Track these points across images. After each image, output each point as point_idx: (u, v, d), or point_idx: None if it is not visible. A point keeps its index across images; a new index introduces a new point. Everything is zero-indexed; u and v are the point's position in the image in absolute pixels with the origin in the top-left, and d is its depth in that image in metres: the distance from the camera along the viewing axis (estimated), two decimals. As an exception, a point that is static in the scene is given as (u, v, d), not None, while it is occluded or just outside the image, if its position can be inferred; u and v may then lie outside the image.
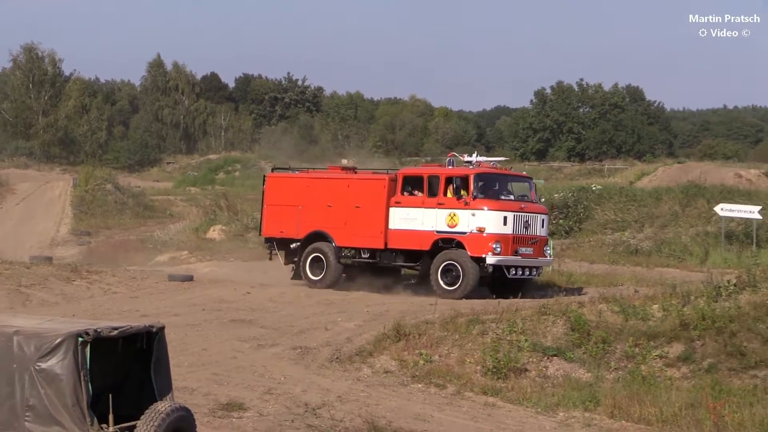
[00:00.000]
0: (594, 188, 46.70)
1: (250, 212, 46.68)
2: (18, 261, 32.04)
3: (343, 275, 28.79)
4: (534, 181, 29.76)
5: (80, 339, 9.69)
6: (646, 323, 20.36)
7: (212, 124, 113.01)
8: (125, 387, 10.53)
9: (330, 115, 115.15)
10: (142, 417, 9.97)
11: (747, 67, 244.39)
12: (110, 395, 9.85)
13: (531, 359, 19.58)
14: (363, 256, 28.04)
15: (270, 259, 30.21)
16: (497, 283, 26.74)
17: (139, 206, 58.74)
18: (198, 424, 10.76)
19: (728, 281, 21.49)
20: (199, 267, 35.63)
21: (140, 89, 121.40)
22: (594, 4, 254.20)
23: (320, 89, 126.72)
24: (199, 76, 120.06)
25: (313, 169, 32.61)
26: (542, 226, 27.46)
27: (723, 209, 39.04)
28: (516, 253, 26.45)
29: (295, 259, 29.12)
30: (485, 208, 26.32)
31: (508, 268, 26.30)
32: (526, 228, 26.78)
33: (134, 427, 9.94)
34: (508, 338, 20.04)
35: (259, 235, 30.70)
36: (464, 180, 26.71)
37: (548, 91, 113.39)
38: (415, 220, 27.08)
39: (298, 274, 28.99)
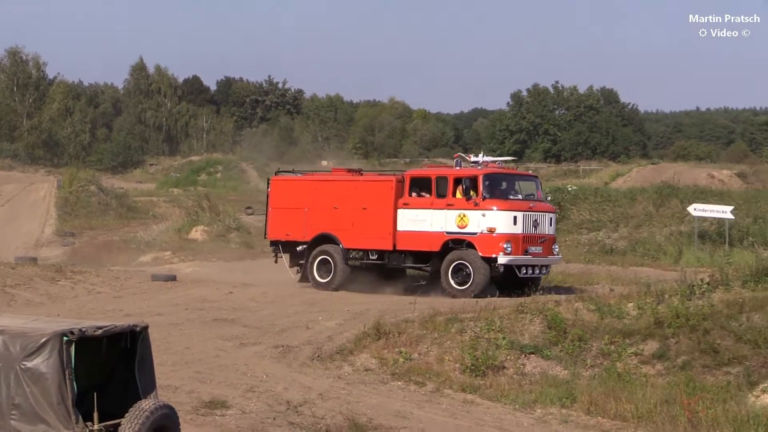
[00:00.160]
0: (569, 189, 46.98)
1: (231, 213, 46.89)
2: (3, 262, 31.91)
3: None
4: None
5: (65, 338, 9.74)
6: (622, 321, 20.54)
7: (194, 127, 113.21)
8: (110, 385, 10.59)
9: (310, 117, 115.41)
10: (127, 415, 10.03)
11: (721, 68, 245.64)
12: (95, 393, 9.94)
13: (509, 357, 19.72)
14: (371, 257, 27.84)
15: (275, 261, 29.84)
16: (506, 281, 26.52)
17: (123, 207, 58.77)
18: (181, 422, 10.80)
19: (701, 280, 21.69)
20: (182, 267, 35.62)
21: (123, 92, 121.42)
22: (568, 7, 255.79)
23: (300, 92, 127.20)
24: (181, 79, 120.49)
25: (317, 171, 32.18)
26: (550, 225, 27.40)
27: (696, 209, 39.36)
28: (526, 252, 26.33)
29: (301, 261, 28.89)
30: (495, 208, 26.18)
31: (519, 267, 26.19)
32: (535, 227, 26.70)
33: (119, 424, 10.00)
34: (487, 336, 20.18)
35: (264, 238, 30.38)
36: (473, 180, 26.49)
37: (524, 93, 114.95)
38: (424, 221, 26.91)
39: (305, 277, 28.73)
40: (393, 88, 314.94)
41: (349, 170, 31.15)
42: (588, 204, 44.97)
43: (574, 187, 47.62)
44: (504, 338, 20.02)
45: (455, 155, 29.33)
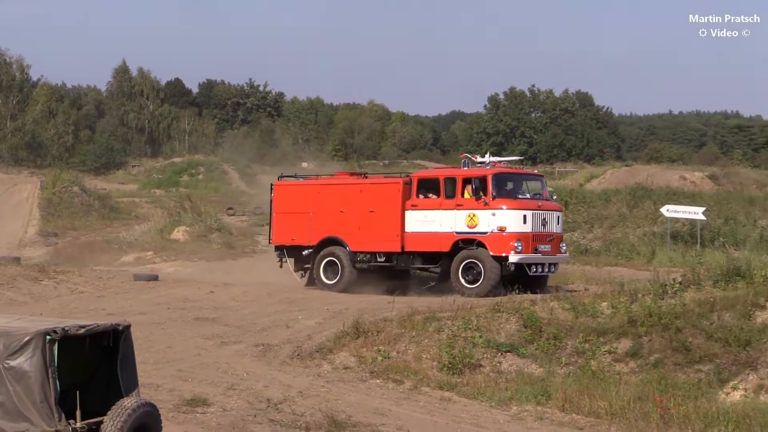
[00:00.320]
0: (546, 190, 47.17)
1: (213, 213, 46.98)
2: (-13, 262, 32.08)
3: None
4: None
5: (48, 337, 9.80)
6: (596, 320, 20.78)
7: (176, 129, 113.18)
8: (92, 384, 10.66)
9: (291, 119, 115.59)
10: (109, 413, 10.11)
11: (713, 69, 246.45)
12: (78, 392, 10.02)
13: (485, 355, 19.92)
14: (379, 259, 27.77)
15: (280, 266, 29.58)
16: (513, 280, 26.45)
17: (105, 208, 58.90)
18: (163, 420, 10.89)
19: (674, 279, 22.00)
20: (164, 267, 35.59)
21: (106, 94, 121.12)
22: (545, 12, 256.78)
23: (281, 94, 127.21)
24: (163, 82, 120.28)
25: (320, 176, 31.95)
26: (558, 223, 27.52)
27: (669, 210, 39.74)
28: (536, 250, 26.40)
29: (306, 266, 28.82)
30: (505, 208, 26.22)
31: (529, 265, 26.25)
32: (544, 225, 26.75)
33: (101, 422, 10.06)
34: (464, 335, 20.39)
35: (269, 243, 30.24)
36: (482, 180, 26.52)
37: (501, 96, 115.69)
38: (433, 222, 26.88)
39: (311, 281, 28.63)
40: (372, 91, 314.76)
41: (353, 173, 31.21)
42: (563, 205, 45.20)
43: (550, 189, 47.73)
44: (481, 337, 20.22)
45: (461, 156, 29.14)
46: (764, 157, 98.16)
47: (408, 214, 27.28)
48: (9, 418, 9.86)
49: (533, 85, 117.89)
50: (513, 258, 25.93)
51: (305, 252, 28.67)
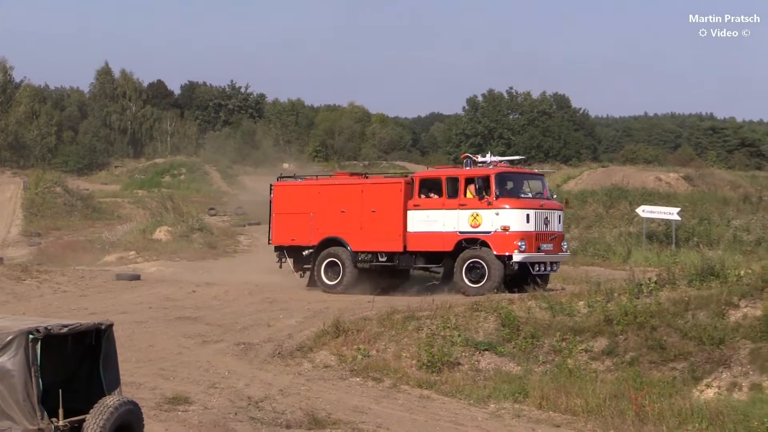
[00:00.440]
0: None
1: (195, 214, 47.14)
2: (-30, 262, 32.15)
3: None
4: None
5: (31, 336, 9.78)
6: (573, 319, 20.94)
7: (158, 130, 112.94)
8: (75, 382, 10.62)
9: (272, 121, 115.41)
10: (91, 411, 10.09)
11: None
12: (60, 390, 10.00)
13: (464, 353, 20.07)
14: (380, 259, 27.77)
15: (280, 267, 29.59)
16: (514, 278, 26.59)
17: (88, 208, 58.97)
18: (145, 418, 10.94)
19: (649, 279, 22.15)
20: (146, 267, 35.68)
21: (89, 96, 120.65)
22: (522, 14, 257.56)
23: (262, 96, 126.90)
24: (145, 84, 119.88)
25: (320, 176, 31.66)
26: (559, 222, 27.61)
27: (644, 211, 40.12)
28: (539, 249, 26.54)
29: (306, 266, 28.84)
30: (508, 207, 26.35)
31: (533, 264, 26.38)
32: (546, 224, 26.85)
33: (83, 420, 10.07)
34: (442, 334, 20.54)
35: (269, 243, 30.18)
36: (485, 180, 26.61)
37: (480, 98, 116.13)
38: (436, 221, 26.94)
39: (312, 282, 28.65)
40: (352, 92, 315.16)
41: (353, 174, 31.25)
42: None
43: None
44: (459, 335, 20.38)
45: (463, 156, 29.27)
46: (738, 158, 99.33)
47: (410, 213, 27.39)
48: (-8, 416, 9.83)
49: (511, 87, 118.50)
50: (517, 257, 26.10)
51: (305, 252, 28.70)
